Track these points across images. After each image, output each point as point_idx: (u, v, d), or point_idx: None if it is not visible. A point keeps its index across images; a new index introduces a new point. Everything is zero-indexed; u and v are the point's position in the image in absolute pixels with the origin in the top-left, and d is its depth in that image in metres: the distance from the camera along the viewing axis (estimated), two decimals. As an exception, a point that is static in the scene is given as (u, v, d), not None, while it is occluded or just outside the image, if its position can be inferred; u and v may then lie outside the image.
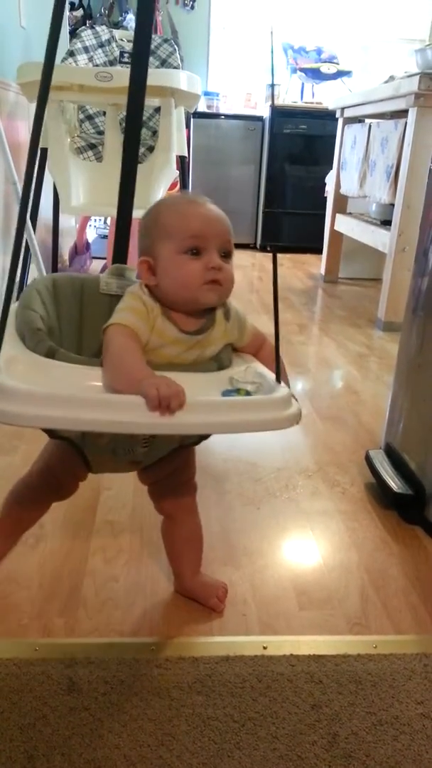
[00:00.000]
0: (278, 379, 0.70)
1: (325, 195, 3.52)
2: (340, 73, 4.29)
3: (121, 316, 0.72)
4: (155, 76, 2.17)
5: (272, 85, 0.75)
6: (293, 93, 4.47)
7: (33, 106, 2.34)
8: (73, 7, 4.07)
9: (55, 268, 2.71)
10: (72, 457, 0.80)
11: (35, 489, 0.87)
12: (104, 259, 2.92)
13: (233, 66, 4.57)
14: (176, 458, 0.85)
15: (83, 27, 2.66)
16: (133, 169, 0.88)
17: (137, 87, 0.84)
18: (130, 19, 4.26)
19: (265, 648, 0.88)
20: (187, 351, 0.74)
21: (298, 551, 1.11)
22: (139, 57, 0.85)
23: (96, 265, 3.18)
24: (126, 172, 0.87)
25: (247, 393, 0.68)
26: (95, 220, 4.14)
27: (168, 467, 0.85)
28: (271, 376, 0.71)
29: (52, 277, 0.84)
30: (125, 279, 0.85)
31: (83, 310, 0.85)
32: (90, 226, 3.74)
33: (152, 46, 2.55)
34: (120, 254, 0.90)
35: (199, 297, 0.72)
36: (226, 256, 0.74)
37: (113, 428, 0.62)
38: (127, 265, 0.87)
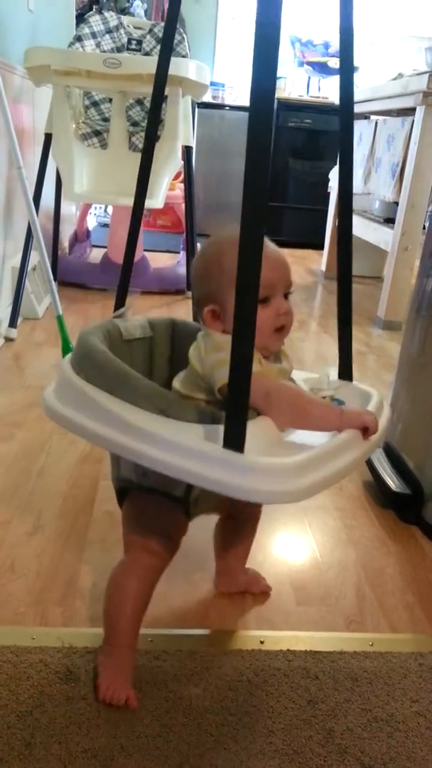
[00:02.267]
0: (350, 377, 0.82)
1: (329, 191, 3.51)
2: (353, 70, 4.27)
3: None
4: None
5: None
6: (299, 86, 4.45)
7: (38, 91, 2.32)
8: (80, -9, 4.03)
9: (55, 255, 2.69)
10: (177, 513, 0.77)
11: (162, 557, 0.78)
12: (104, 247, 2.90)
13: (240, 57, 4.54)
14: None
15: (91, 12, 2.63)
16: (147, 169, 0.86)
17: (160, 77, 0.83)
18: (137, 5, 4.23)
19: (262, 643, 0.88)
20: (285, 379, 0.76)
21: (295, 547, 1.12)
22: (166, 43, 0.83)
23: (96, 254, 3.16)
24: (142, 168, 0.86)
25: (333, 398, 0.74)
26: (96, 207, 4.11)
27: None
28: (336, 378, 0.82)
29: (97, 331, 0.78)
30: (131, 320, 0.85)
31: None
32: (90, 214, 3.72)
33: (160, 34, 2.53)
34: (128, 258, 0.90)
35: (268, 346, 0.74)
36: (287, 295, 0.76)
37: (356, 466, 0.65)
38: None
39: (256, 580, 0.99)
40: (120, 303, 0.88)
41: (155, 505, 0.77)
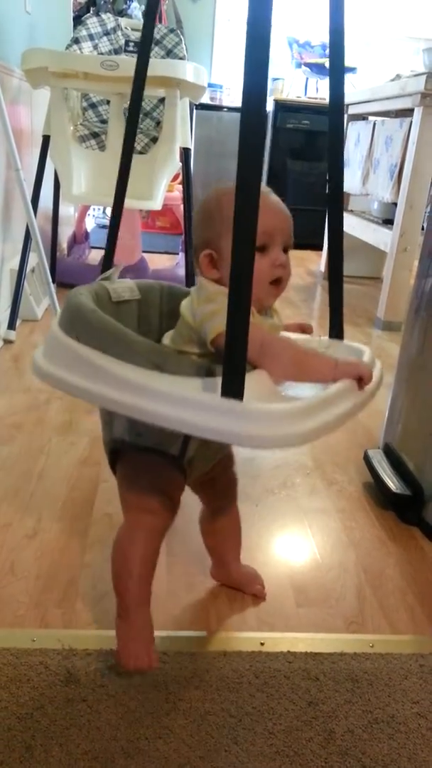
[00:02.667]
0: (341, 336, 0.82)
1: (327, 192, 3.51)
2: (344, 69, 4.27)
3: None
4: (161, 66, 2.15)
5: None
6: (297, 88, 4.45)
7: (36, 93, 2.32)
8: (77, -7, 4.02)
9: (53, 256, 2.69)
10: (173, 471, 0.77)
11: (162, 516, 0.77)
12: (103, 249, 2.90)
13: (237, 58, 4.54)
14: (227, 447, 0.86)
15: (88, 14, 2.64)
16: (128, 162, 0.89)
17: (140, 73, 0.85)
18: (135, 7, 4.22)
19: (262, 644, 0.88)
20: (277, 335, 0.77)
21: (295, 549, 1.12)
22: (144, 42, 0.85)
23: (95, 255, 3.16)
24: (123, 164, 0.88)
25: None
26: (94, 209, 4.11)
27: (222, 460, 0.86)
28: (326, 337, 0.83)
29: (85, 292, 0.77)
30: (118, 282, 0.84)
31: None
32: (89, 215, 3.72)
33: (158, 36, 2.54)
34: (111, 245, 0.91)
35: (262, 298, 0.73)
36: (286, 249, 0.74)
37: (353, 414, 0.65)
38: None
39: (251, 580, 0.98)
40: (107, 265, 0.88)
41: (151, 464, 0.76)
